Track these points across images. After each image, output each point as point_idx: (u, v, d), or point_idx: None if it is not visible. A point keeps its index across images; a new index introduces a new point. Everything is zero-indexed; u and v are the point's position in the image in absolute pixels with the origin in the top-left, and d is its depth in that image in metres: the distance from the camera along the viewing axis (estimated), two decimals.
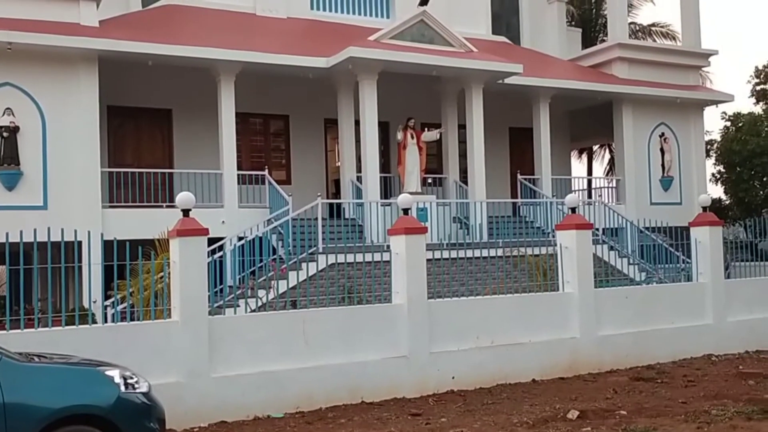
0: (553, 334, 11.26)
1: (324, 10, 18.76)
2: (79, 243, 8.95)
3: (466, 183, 17.34)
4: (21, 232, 8.13)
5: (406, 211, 10.62)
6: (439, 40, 16.49)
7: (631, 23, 26.58)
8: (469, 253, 12.22)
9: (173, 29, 15.65)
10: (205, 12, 16.91)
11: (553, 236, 13.06)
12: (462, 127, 17.48)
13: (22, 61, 13.46)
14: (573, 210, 12.01)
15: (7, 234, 7.99)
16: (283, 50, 15.71)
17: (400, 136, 16.31)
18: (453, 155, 17.70)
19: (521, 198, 18.22)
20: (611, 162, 29.18)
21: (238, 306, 11.45)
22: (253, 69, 15.30)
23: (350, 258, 10.65)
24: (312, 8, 18.54)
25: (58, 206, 13.43)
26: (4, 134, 13.25)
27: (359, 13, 19.19)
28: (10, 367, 5.73)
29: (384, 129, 17.30)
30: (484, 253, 12.52)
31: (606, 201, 19.48)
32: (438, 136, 16.99)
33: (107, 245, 8.80)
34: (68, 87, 13.88)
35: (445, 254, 12.04)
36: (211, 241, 10.23)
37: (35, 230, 8.21)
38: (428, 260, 10.55)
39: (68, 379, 6.05)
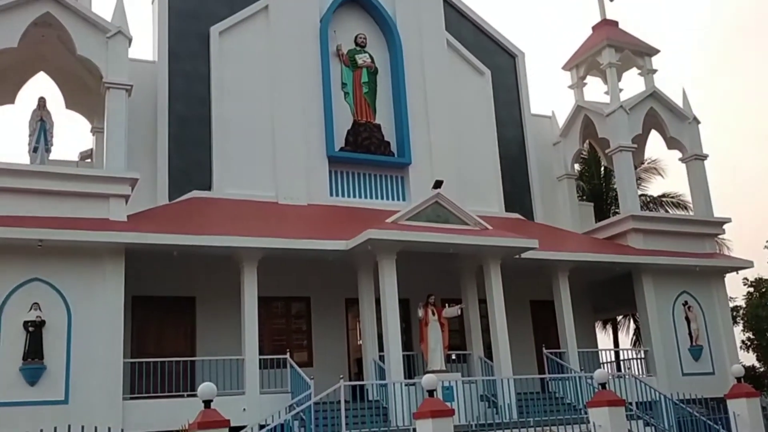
0: None
1: (342, 196, 19.50)
2: None
3: (490, 359, 17.05)
4: (41, 431, 8.00)
5: (431, 392, 10.40)
6: (454, 220, 16.94)
7: (641, 195, 27.31)
8: None
9: (198, 220, 16.26)
10: (229, 203, 17.64)
11: (586, 413, 12.60)
12: (483, 301, 17.50)
13: (52, 256, 13.92)
14: (603, 386, 11.69)
15: None
16: (303, 235, 16.19)
17: (421, 313, 16.32)
18: (476, 331, 17.58)
19: (548, 373, 17.80)
20: (637, 332, 28.71)
21: None
22: (275, 254, 15.68)
23: None
24: (331, 195, 19.29)
25: (80, 400, 13.27)
26: (30, 329, 13.42)
27: (376, 197, 19.91)
28: None
29: (405, 306, 17.33)
30: None
31: (636, 373, 18.96)
32: (459, 312, 16.97)
33: None
34: (95, 280, 14.24)
35: None
36: (233, 430, 9.98)
37: (55, 428, 8.08)
38: None
39: None
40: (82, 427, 8.10)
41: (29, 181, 14.47)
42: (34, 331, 13.43)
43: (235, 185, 18.12)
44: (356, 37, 20.78)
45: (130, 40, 16.02)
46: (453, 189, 18.62)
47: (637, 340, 28.55)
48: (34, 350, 13.33)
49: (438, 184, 16.95)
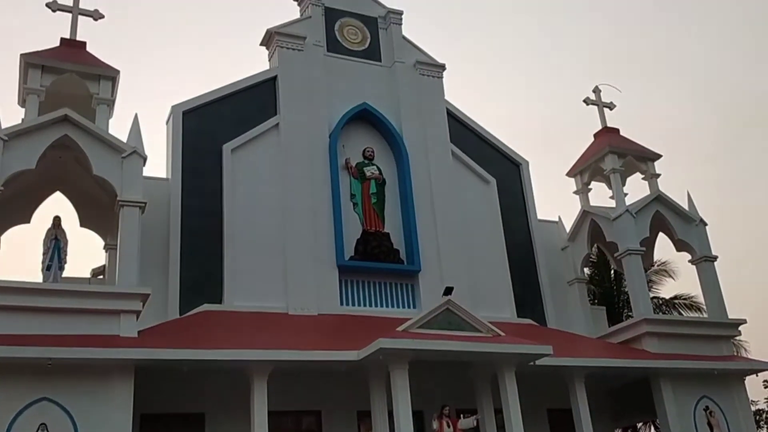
0: None
1: (353, 305, 19.49)
2: None
3: None
4: None
5: None
6: (466, 327, 16.79)
7: (653, 297, 27.13)
8: None
9: (208, 334, 16.20)
10: (239, 315, 17.62)
11: None
12: (499, 411, 17.06)
13: (61, 375, 13.84)
14: None
15: None
16: (314, 346, 16.07)
17: (435, 425, 15.91)
18: None
19: None
20: None
21: None
22: (286, 366, 15.51)
23: None
24: (342, 304, 19.28)
25: None
26: None
27: (387, 306, 19.88)
28: None
29: (418, 418, 16.88)
30: None
31: None
32: (475, 423, 16.52)
33: None
34: (103, 398, 14.08)
35: None
36: None
37: None
38: None
39: None
40: None
41: (41, 299, 14.59)
42: None
43: (245, 297, 18.17)
44: (364, 151, 21.38)
45: (144, 159, 16.54)
46: (464, 295, 18.59)
47: None
48: None
49: (448, 291, 16.92)
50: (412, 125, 22.09)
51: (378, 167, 21.30)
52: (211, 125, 19.74)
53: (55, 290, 14.89)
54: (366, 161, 21.30)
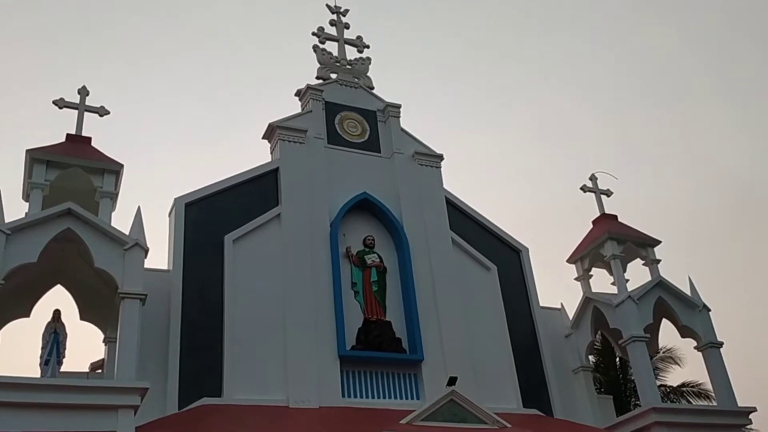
0: None
1: (355, 396, 19.12)
2: None
3: None
4: None
5: None
6: (471, 418, 16.50)
7: (660, 385, 26.72)
8: None
9: (206, 430, 15.82)
10: (239, 409, 17.26)
11: None
12: None
13: None
14: None
15: None
16: None
17: None
18: None
19: None
20: None
21: None
22: None
23: None
24: (343, 396, 18.91)
25: None
26: None
27: (389, 397, 19.50)
28: None
29: None
30: None
31: None
32: None
33: None
34: None
35: None
36: None
37: None
38: None
39: None
40: None
41: (39, 395, 14.32)
42: None
43: (245, 390, 17.85)
44: (365, 239, 21.51)
45: (146, 251, 16.61)
46: (468, 385, 18.28)
47: None
48: None
49: (452, 381, 16.71)
50: (411, 213, 22.31)
51: (379, 255, 21.37)
52: (213, 216, 19.92)
53: (53, 386, 14.65)
54: (367, 249, 21.39)
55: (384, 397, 19.44)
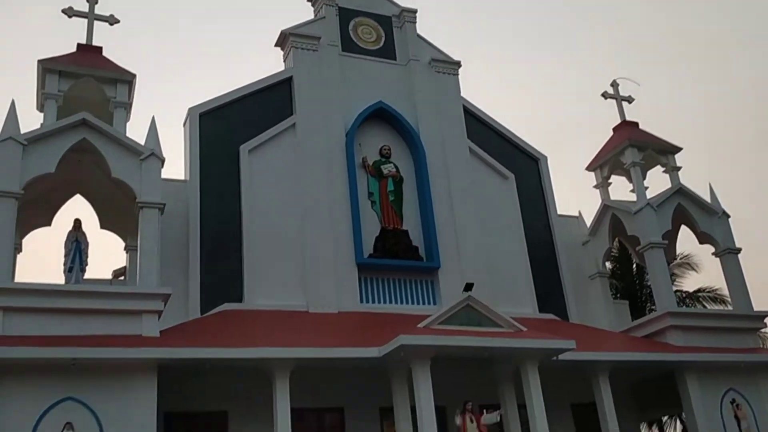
0: None
1: (372, 302, 19.45)
2: None
3: None
4: None
5: None
6: (487, 322, 16.68)
7: (677, 291, 26.87)
8: None
9: (230, 333, 16.23)
10: (260, 314, 17.65)
11: None
12: (522, 406, 16.95)
13: (85, 374, 13.93)
14: None
15: None
16: (335, 344, 16.06)
17: (458, 420, 15.81)
18: None
19: None
20: None
21: None
22: (308, 364, 15.51)
23: None
24: (361, 302, 19.25)
25: None
26: None
27: (406, 303, 19.83)
28: None
29: (441, 414, 16.80)
30: None
31: None
32: (498, 418, 16.38)
33: None
34: (127, 397, 14.13)
35: None
36: None
37: None
38: None
39: None
40: None
41: (64, 300, 14.70)
42: None
43: (265, 296, 18.20)
44: (381, 149, 21.37)
45: (162, 161, 16.63)
46: (484, 291, 18.49)
47: None
48: None
49: (468, 287, 16.83)
50: (428, 122, 22.05)
51: (395, 165, 21.27)
52: (228, 127, 19.82)
53: (78, 291, 15.01)
54: (383, 159, 21.28)
55: (401, 303, 19.77)
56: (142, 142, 16.57)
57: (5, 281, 14.50)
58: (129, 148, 16.36)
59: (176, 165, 19.64)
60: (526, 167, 23.55)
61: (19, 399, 13.44)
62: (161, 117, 17.14)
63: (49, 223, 17.63)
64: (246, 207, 19.03)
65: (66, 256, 16.04)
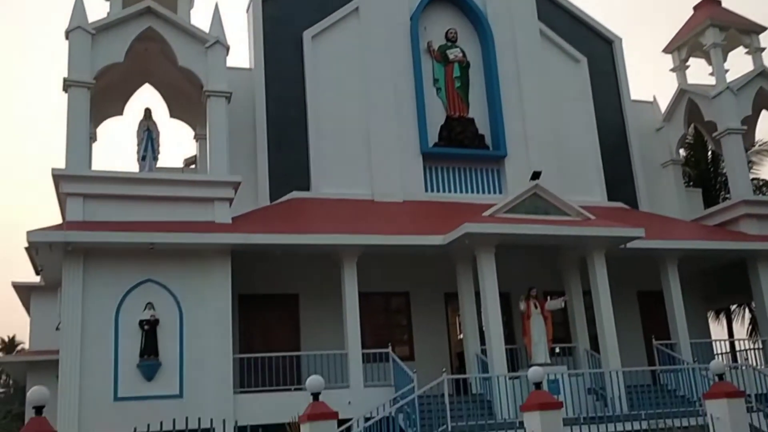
0: None
1: (438, 191, 19.45)
2: (214, 430, 9.07)
3: (597, 351, 16.59)
4: (161, 423, 8.35)
5: (537, 385, 10.21)
6: (554, 211, 16.56)
7: (753, 179, 25.90)
8: (610, 427, 11.40)
9: (299, 220, 16.63)
10: (327, 202, 17.95)
11: (701, 405, 12.05)
12: (587, 293, 17.05)
13: (163, 258, 14.58)
14: (720, 377, 11.14)
15: (148, 425, 8.25)
16: (401, 231, 16.28)
17: (522, 306, 16.05)
18: (580, 323, 17.15)
19: (659, 365, 17.14)
20: (753, 322, 27.22)
21: None
22: (374, 251, 15.83)
23: None
24: (426, 191, 19.28)
25: (193, 394, 13.87)
26: (146, 327, 14.11)
27: (472, 192, 19.75)
28: None
29: (505, 300, 17.07)
30: (626, 426, 11.67)
31: (754, 364, 17.98)
32: (563, 305, 16.58)
33: (237, 431, 8.89)
34: (203, 280, 14.79)
35: (584, 430, 11.26)
36: (339, 422, 10.12)
37: (174, 420, 8.43)
38: None
39: None
40: (199, 420, 8.43)
41: (139, 188, 15.21)
42: (149, 329, 14.12)
43: (332, 185, 18.42)
44: (447, 33, 20.72)
45: (227, 49, 16.59)
46: (552, 179, 18.24)
47: (754, 329, 27.10)
48: (149, 347, 14.02)
49: (536, 175, 16.63)
50: (496, 3, 21.15)
51: (461, 49, 20.66)
52: (291, 12, 19.48)
53: (152, 179, 15.49)
54: (449, 43, 20.67)
55: (467, 192, 19.71)
56: (207, 31, 16.49)
57: (83, 169, 15.05)
58: (194, 35, 16.33)
59: (242, 54, 19.47)
60: (599, 50, 22.55)
61: (103, 281, 14.23)
62: (225, 4, 16.97)
63: (120, 113, 18.02)
64: (310, 95, 18.96)
65: (138, 145, 16.46)
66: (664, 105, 22.82)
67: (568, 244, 16.81)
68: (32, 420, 8.03)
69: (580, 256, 17.07)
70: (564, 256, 17.39)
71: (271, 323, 16.76)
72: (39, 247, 14.15)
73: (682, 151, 24.38)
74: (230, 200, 15.79)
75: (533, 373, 10.37)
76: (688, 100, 21.93)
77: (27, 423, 8.13)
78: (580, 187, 20.32)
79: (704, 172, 28.30)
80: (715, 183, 28.08)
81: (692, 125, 23.45)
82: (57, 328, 15.21)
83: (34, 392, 8.02)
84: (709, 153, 27.97)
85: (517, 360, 17.04)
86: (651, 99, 23.30)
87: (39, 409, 7.98)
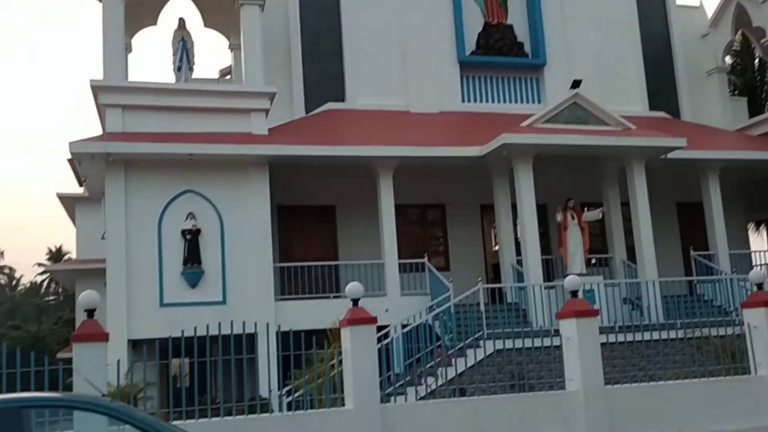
0: (745, 421, 10.22)
1: (474, 101, 19.15)
2: (256, 335, 9.36)
3: (634, 262, 16.59)
4: (207, 326, 8.63)
5: (574, 293, 10.28)
6: (594, 120, 16.26)
7: None
8: (646, 336, 11.50)
9: (335, 131, 16.58)
10: (362, 113, 17.80)
11: (737, 315, 12.08)
12: (625, 204, 16.92)
13: (201, 169, 14.73)
14: (759, 286, 11.09)
15: (195, 328, 8.53)
16: (437, 143, 16.17)
17: (559, 217, 16.00)
18: (618, 234, 17.08)
19: (696, 275, 17.13)
20: None
21: (405, 394, 11.42)
22: (410, 163, 15.79)
23: (516, 344, 10.39)
24: (463, 101, 19.00)
25: (236, 301, 14.28)
26: (188, 236, 14.43)
27: (510, 101, 19.40)
28: None
29: (542, 211, 17.04)
30: (662, 335, 11.77)
31: None
32: (600, 216, 16.50)
33: (281, 336, 9.16)
34: (242, 190, 14.97)
35: (619, 338, 11.38)
36: (376, 329, 10.36)
37: (219, 324, 8.69)
38: (601, 344, 10.07)
39: None
40: (243, 323, 8.69)
41: (176, 99, 15.23)
42: (191, 238, 14.45)
43: (367, 96, 18.21)
44: None
45: None
46: (593, 88, 17.79)
47: None
48: (192, 256, 14.39)
49: (576, 84, 16.25)
50: None
51: None
52: None
53: (189, 90, 15.47)
54: None
55: (504, 102, 19.37)
56: None
57: (121, 80, 15.07)
58: None
59: None
60: None
61: (145, 191, 14.48)
62: None
63: (154, 23, 17.80)
64: (345, 3, 18.55)
65: (174, 55, 16.35)
66: (710, 10, 21.91)
67: (607, 155, 16.58)
68: (85, 322, 8.37)
69: (620, 166, 16.85)
70: (603, 166, 17.17)
71: (308, 234, 17.00)
72: (81, 158, 14.38)
73: (728, 59, 23.48)
74: (266, 111, 15.74)
75: (570, 281, 10.43)
76: (736, 4, 20.98)
77: (80, 325, 8.47)
78: (621, 97, 19.80)
79: (750, 81, 27.32)
80: (761, 92, 27.13)
81: (740, 31, 22.52)
82: (102, 238, 15.59)
83: (86, 296, 8.32)
84: (756, 61, 26.92)
85: (552, 271, 17.13)
86: (697, 4, 22.36)
87: (91, 312, 8.30)
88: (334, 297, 14.73)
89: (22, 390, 7.44)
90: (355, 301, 9.34)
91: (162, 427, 6.04)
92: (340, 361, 9.25)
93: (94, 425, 6.28)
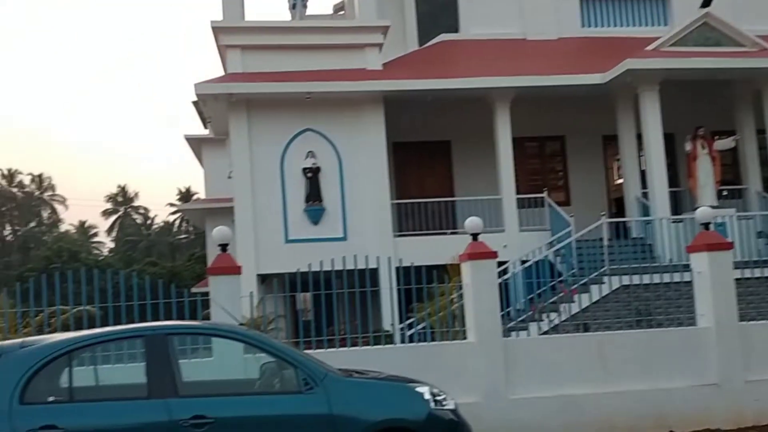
0: None
1: (595, 26, 18.29)
2: (377, 270, 9.58)
3: None
4: (332, 260, 8.89)
5: (705, 225, 9.80)
6: (726, 42, 15.20)
7: None
8: None
9: (448, 64, 16.31)
10: (477, 44, 17.38)
11: None
12: (761, 132, 15.85)
13: (319, 107, 14.94)
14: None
15: (321, 262, 8.81)
16: (555, 71, 15.60)
17: (688, 146, 15.19)
18: (752, 163, 16.12)
19: None
20: None
21: (526, 329, 11.41)
22: (527, 93, 15.36)
23: (642, 279, 10.08)
24: (583, 26, 18.18)
25: (356, 237, 14.62)
26: (308, 175, 14.80)
27: (633, 24, 18.41)
28: (335, 381, 6.22)
29: (669, 141, 16.19)
30: None
31: None
32: (733, 144, 15.56)
33: (401, 271, 9.31)
34: (358, 128, 15.11)
35: (755, 273, 10.82)
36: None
37: (344, 258, 8.95)
38: (734, 280, 9.60)
39: (384, 394, 6.41)
40: (366, 257, 8.90)
41: (292, 37, 15.39)
42: (312, 176, 14.81)
43: (481, 25, 17.71)
44: None
45: None
46: (725, 7, 16.49)
47: None
48: (313, 193, 14.79)
49: (707, 3, 15.18)
50: None
51: None
52: None
53: (305, 27, 15.63)
54: None
55: (627, 25, 18.38)
56: None
57: (238, 20, 15.37)
58: None
59: None
60: None
61: (267, 130, 14.91)
62: None
63: None
64: None
65: None
66: None
67: (741, 78, 15.53)
68: (219, 256, 8.82)
69: (755, 90, 15.75)
70: (736, 91, 16.09)
71: (424, 170, 17.00)
72: (205, 99, 14.90)
73: None
74: (380, 46, 15.66)
75: (701, 213, 9.93)
76: None
77: (215, 258, 8.93)
78: (757, 14, 18.21)
79: None
80: None
81: None
82: (229, 177, 16.23)
83: (219, 231, 8.74)
84: None
85: (680, 204, 16.37)
86: None
87: (224, 247, 8.73)
88: (451, 233, 14.75)
89: (164, 319, 7.99)
90: (475, 236, 9.30)
91: (297, 354, 6.39)
92: (461, 296, 9.31)
93: (231, 352, 6.73)
